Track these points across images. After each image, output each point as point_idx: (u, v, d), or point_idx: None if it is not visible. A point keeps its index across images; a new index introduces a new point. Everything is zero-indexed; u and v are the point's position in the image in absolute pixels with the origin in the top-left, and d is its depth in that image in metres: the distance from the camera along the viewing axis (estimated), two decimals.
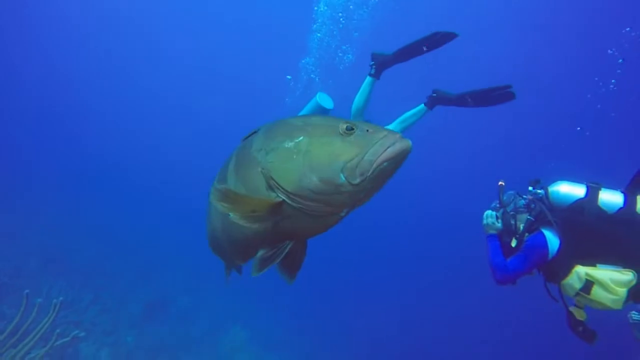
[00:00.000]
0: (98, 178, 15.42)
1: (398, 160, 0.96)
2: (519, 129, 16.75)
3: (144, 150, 20.82)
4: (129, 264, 9.01)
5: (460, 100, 3.06)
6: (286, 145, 1.04)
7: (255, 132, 1.23)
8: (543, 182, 2.39)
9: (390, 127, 3.38)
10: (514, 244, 2.32)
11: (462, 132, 17.65)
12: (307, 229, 1.13)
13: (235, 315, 8.43)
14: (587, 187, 2.21)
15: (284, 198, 1.03)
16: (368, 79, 3.22)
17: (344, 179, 0.96)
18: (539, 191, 2.34)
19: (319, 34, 9.32)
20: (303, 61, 9.36)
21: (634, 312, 2.12)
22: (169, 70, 22.34)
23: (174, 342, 7.03)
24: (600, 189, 2.18)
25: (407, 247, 16.38)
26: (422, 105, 3.27)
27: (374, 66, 3.17)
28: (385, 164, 0.94)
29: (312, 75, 9.20)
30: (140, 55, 22.19)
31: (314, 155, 0.99)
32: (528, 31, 15.94)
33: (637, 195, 2.12)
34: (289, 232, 1.12)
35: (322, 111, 3.75)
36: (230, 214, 1.04)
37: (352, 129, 0.99)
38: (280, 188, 1.03)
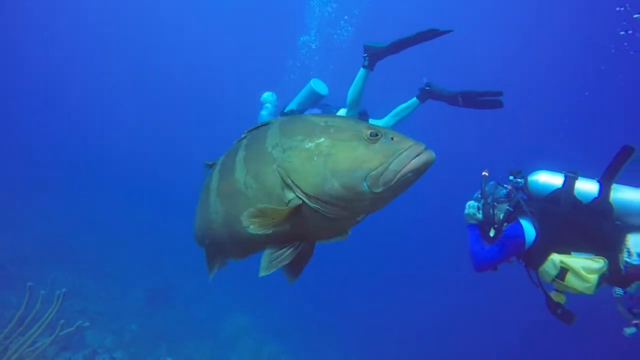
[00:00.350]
0: (100, 169, 15.50)
1: (422, 171, 0.96)
2: (513, 126, 16.70)
3: (143, 139, 20.84)
4: (132, 252, 9.17)
5: (451, 98, 3.08)
6: (306, 146, 1.01)
7: (266, 125, 1.18)
8: (524, 171, 2.44)
9: (383, 121, 3.41)
10: (492, 233, 2.41)
11: (457, 131, 17.54)
12: (321, 231, 1.10)
13: (236, 302, 8.61)
14: (565, 177, 2.26)
15: (303, 199, 1.00)
16: (362, 71, 3.19)
17: (366, 187, 0.94)
18: (519, 180, 2.39)
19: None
20: (302, 39, 9.31)
21: (617, 287, 2.21)
22: (162, 55, 22.11)
23: (177, 328, 7.19)
24: (577, 179, 2.24)
25: (409, 241, 16.47)
26: (415, 98, 3.28)
27: (367, 58, 3.12)
28: (409, 174, 0.94)
29: (312, 46, 9.09)
30: (134, 44, 21.97)
31: (337, 160, 0.97)
32: (524, 30, 15.89)
33: (611, 184, 2.18)
34: (301, 233, 1.08)
35: (316, 97, 3.78)
36: (251, 227, 1.01)
37: (377, 135, 0.98)
38: (298, 189, 1.00)
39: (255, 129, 1.23)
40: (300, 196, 1.00)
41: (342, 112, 3.47)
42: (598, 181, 2.21)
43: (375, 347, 9.61)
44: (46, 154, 14.56)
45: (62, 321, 3.09)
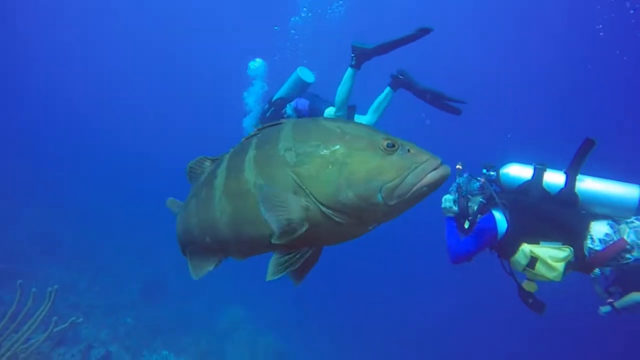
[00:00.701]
0: (91, 163, 15.35)
1: (437, 186, 0.96)
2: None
3: (135, 133, 20.63)
4: (125, 246, 9.12)
5: (420, 93, 3.18)
6: (321, 152, 1.00)
7: (278, 125, 1.16)
8: (497, 164, 2.55)
9: (367, 118, 3.47)
10: (466, 225, 2.50)
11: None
12: (331, 237, 1.09)
13: (232, 295, 8.62)
14: (534, 169, 2.39)
15: (318, 206, 1.00)
16: (349, 71, 3.23)
17: (381, 198, 0.94)
18: (491, 173, 2.50)
19: None
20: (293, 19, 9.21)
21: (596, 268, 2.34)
22: (148, 45, 21.80)
23: (172, 321, 7.21)
24: (545, 170, 2.37)
25: (405, 235, 16.59)
26: (388, 87, 3.33)
27: (354, 57, 3.17)
28: (424, 188, 0.94)
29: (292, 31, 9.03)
30: (126, 37, 21.63)
31: (352, 169, 0.96)
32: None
33: (576, 175, 2.30)
34: (310, 239, 1.07)
35: (303, 85, 3.84)
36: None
37: (394, 146, 0.97)
38: (311, 196, 1.00)
39: (265, 128, 1.20)
40: (311, 204, 1.00)
41: (330, 111, 3.51)
42: (565, 172, 2.33)
43: (369, 338, 9.73)
44: (36, 148, 14.35)
45: (55, 318, 3.07)
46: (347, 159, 0.98)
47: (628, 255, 2.23)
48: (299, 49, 9.00)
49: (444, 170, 0.95)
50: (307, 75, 3.84)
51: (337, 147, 1.00)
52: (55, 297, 3.09)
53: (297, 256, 1.10)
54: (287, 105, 3.86)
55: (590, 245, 2.25)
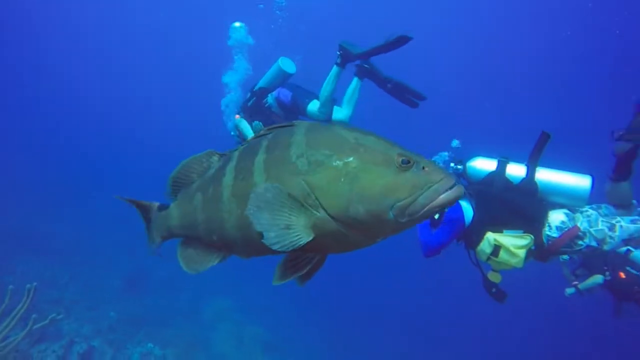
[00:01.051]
0: (67, 156, 14.93)
1: (449, 206, 0.96)
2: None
3: (111, 125, 20.12)
4: (106, 239, 8.96)
5: (382, 82, 3.25)
6: (334, 163, 0.99)
7: (290, 128, 1.13)
8: (464, 159, 2.69)
9: (343, 110, 3.50)
10: (436, 216, 2.56)
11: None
12: (337, 246, 1.09)
13: (216, 286, 8.59)
14: (498, 161, 2.53)
15: (325, 218, 0.99)
16: (335, 69, 3.30)
17: (392, 216, 0.94)
18: (458, 167, 2.63)
19: None
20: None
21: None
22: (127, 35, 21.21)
23: (156, 313, 7.16)
24: (508, 163, 2.51)
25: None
26: (355, 78, 3.38)
27: (340, 56, 3.25)
28: (436, 208, 0.95)
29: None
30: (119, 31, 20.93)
31: (365, 185, 0.95)
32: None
33: (536, 166, 2.45)
34: (316, 246, 1.07)
35: (284, 76, 3.86)
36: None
37: (409, 162, 0.96)
38: (321, 208, 0.99)
39: (276, 128, 1.18)
40: (321, 214, 0.99)
41: (314, 105, 3.56)
42: (526, 164, 2.48)
43: (356, 328, 9.89)
44: (13, 141, 13.86)
45: (34, 315, 3.01)
46: (360, 173, 0.97)
47: (580, 242, 2.40)
48: (282, 29, 8.85)
49: (457, 191, 0.94)
50: (288, 65, 3.85)
51: (351, 159, 0.98)
52: (34, 294, 3.02)
53: (304, 262, 1.10)
54: (269, 95, 3.86)
55: (548, 233, 2.39)
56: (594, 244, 2.40)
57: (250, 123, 3.87)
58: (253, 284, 9.19)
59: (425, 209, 0.94)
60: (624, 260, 3.07)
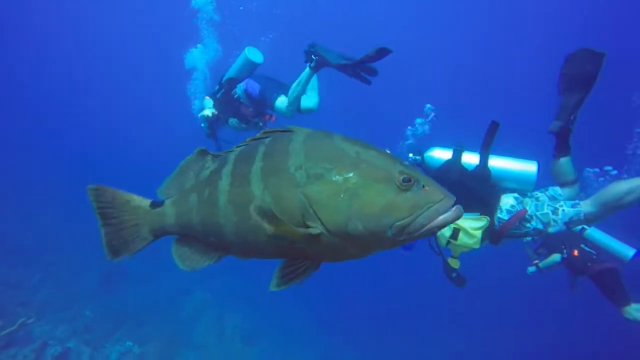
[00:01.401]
0: (35, 153, 14.19)
1: (447, 226, 0.98)
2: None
3: (78, 121, 19.40)
4: (79, 235, 8.60)
5: (339, 68, 2.97)
6: (333, 178, 0.98)
7: (288, 134, 1.11)
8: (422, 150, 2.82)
9: (312, 99, 3.47)
10: None
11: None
12: (332, 256, 1.10)
13: (195, 279, 8.46)
14: (454, 150, 2.68)
15: (322, 231, 0.99)
16: (307, 71, 3.11)
17: (390, 234, 0.94)
18: (417, 157, 2.77)
19: None
20: None
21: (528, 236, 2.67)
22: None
23: (135, 311, 6.98)
24: (463, 151, 2.66)
25: None
26: (308, 67, 3.14)
27: (315, 60, 3.00)
28: (435, 229, 0.95)
29: None
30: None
31: (365, 202, 0.94)
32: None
33: (488, 154, 2.60)
34: (312, 254, 1.09)
35: (252, 66, 3.81)
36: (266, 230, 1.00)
37: (409, 181, 0.95)
38: (319, 222, 0.98)
39: (273, 132, 1.15)
40: (319, 228, 0.99)
41: (282, 101, 3.47)
42: (479, 152, 2.62)
43: (336, 316, 9.98)
44: None
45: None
46: (360, 189, 0.96)
47: (527, 224, 2.56)
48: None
49: (456, 213, 0.95)
50: (255, 55, 3.79)
51: (351, 174, 0.97)
52: None
53: (300, 270, 1.10)
54: (237, 86, 3.81)
55: (499, 216, 2.55)
56: (540, 226, 2.55)
57: (225, 120, 3.88)
58: (230, 276, 9.09)
59: (425, 228, 0.94)
60: (579, 238, 3.40)
